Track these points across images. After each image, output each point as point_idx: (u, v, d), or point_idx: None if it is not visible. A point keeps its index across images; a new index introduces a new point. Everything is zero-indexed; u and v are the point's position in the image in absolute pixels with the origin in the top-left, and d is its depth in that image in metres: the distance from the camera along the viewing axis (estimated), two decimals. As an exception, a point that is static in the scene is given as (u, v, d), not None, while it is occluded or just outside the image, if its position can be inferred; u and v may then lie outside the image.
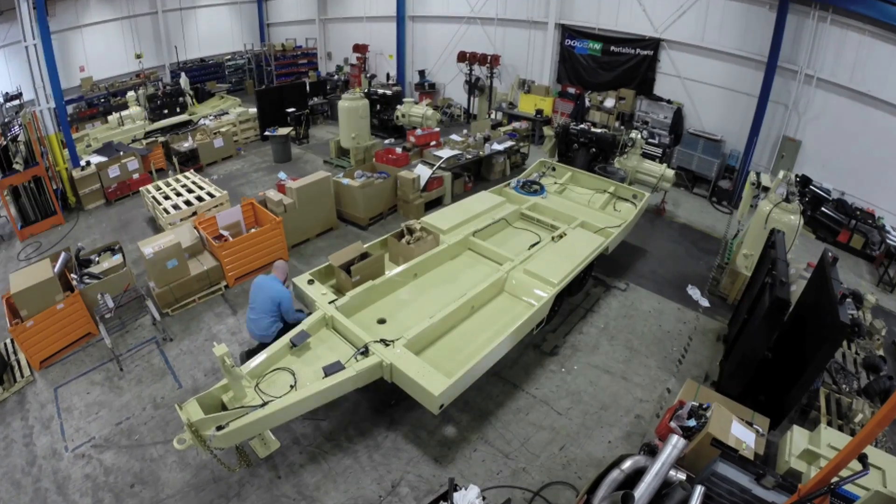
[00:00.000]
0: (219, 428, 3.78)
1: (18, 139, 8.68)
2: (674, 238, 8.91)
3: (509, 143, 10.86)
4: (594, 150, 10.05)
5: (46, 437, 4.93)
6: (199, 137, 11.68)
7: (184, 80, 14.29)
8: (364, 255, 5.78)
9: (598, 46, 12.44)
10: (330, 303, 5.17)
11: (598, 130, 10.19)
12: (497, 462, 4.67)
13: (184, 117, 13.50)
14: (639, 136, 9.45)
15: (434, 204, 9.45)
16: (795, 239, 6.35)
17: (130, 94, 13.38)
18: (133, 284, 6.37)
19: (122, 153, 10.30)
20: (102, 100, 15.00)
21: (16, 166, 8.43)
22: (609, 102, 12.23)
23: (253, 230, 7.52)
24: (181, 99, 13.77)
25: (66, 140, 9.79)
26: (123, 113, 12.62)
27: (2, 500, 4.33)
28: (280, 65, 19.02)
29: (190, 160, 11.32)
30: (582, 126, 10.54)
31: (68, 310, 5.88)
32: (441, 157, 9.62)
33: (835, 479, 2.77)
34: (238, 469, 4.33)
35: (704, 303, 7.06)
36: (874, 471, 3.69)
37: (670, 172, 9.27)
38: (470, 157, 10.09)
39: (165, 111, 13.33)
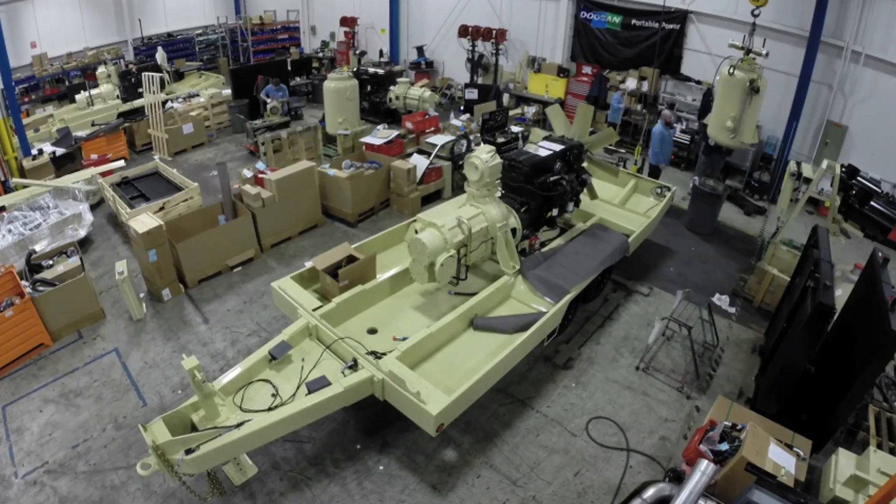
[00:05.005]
0: (188, 451, 3.78)
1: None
2: (702, 236, 8.91)
3: (518, 129, 10.85)
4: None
5: (-7, 461, 4.94)
6: (168, 123, 11.67)
7: (160, 55, 14.23)
8: (352, 258, 5.77)
9: (617, 20, 12.42)
10: (314, 310, 5.17)
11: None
12: (503, 490, 4.67)
13: (161, 97, 13.44)
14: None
15: (432, 198, 9.47)
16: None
17: (101, 70, 13.23)
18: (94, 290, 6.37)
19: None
20: (57, 80, 14.97)
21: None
22: (630, 83, 12.23)
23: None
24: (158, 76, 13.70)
25: (16, 126, 9.79)
26: (93, 91, 12.56)
27: (-57, 533, 4.34)
28: (258, 40, 18.99)
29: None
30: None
31: (18, 318, 5.87)
32: (436, 145, 9.59)
33: (885, 510, 2.78)
34: (210, 498, 4.33)
35: (732, 310, 7.06)
36: (930, 500, 3.69)
37: None
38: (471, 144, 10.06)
39: (140, 90, 13.26)
